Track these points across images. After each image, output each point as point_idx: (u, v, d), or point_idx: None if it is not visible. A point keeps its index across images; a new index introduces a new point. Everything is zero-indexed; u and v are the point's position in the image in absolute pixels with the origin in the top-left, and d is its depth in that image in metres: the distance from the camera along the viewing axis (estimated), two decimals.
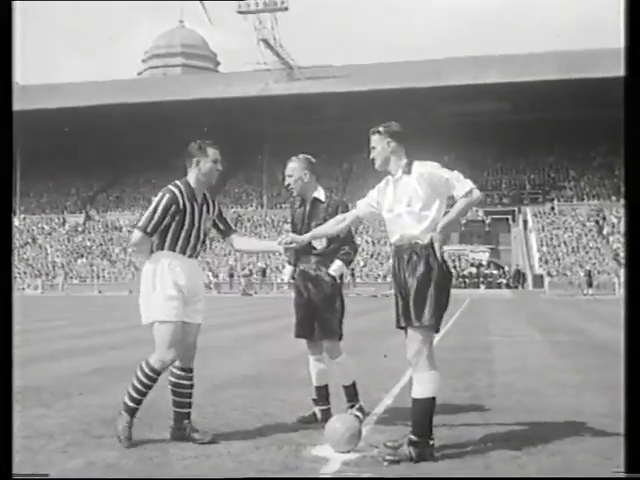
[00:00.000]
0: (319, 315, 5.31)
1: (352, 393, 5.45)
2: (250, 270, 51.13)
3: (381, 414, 5.65)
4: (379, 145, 4.55)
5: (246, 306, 27.70)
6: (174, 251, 4.68)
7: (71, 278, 53.96)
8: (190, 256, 4.74)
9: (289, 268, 5.63)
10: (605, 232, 52.38)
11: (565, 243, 51.28)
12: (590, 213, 54.98)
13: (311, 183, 5.44)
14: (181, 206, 4.69)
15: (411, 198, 4.38)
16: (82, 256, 58.37)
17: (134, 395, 4.63)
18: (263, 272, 51.01)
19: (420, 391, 4.35)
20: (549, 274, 46.47)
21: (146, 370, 4.62)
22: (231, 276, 50.50)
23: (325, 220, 5.14)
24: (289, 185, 5.43)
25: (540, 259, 48.95)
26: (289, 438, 4.75)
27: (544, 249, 49.82)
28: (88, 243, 60.52)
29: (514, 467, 4.10)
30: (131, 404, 4.63)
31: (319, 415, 5.37)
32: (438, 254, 4.30)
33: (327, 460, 4.25)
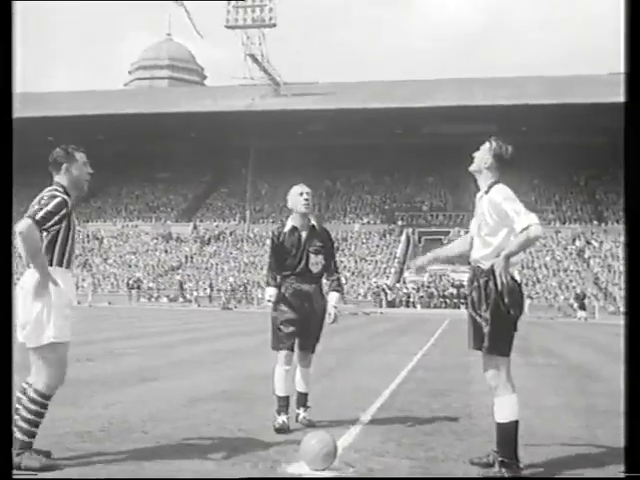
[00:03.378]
0: (312, 329, 5.82)
1: (306, 399, 5.96)
2: (231, 285, 51.03)
3: (357, 433, 5.62)
4: (481, 154, 4.60)
5: (226, 320, 27.58)
6: (61, 265, 4.40)
7: None
8: (69, 268, 4.51)
9: (272, 289, 5.88)
10: (586, 256, 52.72)
11: (546, 266, 51.56)
12: (572, 236, 55.34)
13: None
14: (68, 211, 4.44)
15: (481, 222, 4.49)
16: None
17: (27, 428, 4.22)
18: (244, 287, 50.88)
19: (504, 415, 4.40)
20: (529, 297, 46.66)
21: (36, 397, 4.24)
22: (211, 289, 50.40)
23: (319, 245, 5.77)
24: (307, 205, 5.80)
25: (521, 281, 49.04)
26: (264, 454, 4.73)
27: (525, 271, 50.02)
28: None
29: None
30: (28, 439, 4.23)
31: (286, 422, 5.68)
32: (498, 282, 4.32)
33: (302, 478, 4.22)
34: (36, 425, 4.27)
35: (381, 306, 46.56)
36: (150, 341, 14.80)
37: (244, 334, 17.93)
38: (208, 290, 50.40)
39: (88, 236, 62.03)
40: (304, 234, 5.82)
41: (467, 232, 4.85)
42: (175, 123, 62.35)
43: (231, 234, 61.01)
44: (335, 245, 6.30)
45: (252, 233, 60.55)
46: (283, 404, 5.73)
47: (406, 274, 52.60)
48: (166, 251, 58.81)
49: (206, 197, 68.55)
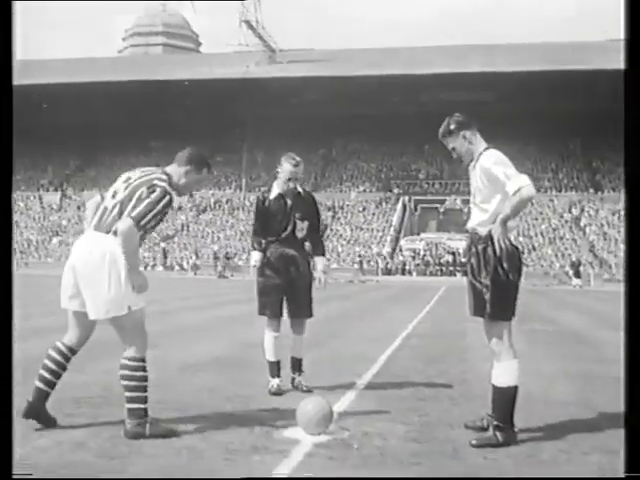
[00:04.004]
0: (300, 294, 5.81)
1: (300, 364, 5.98)
2: (227, 252, 51.06)
3: (353, 398, 5.66)
4: (457, 143, 4.54)
5: (222, 288, 27.65)
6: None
7: (46, 257, 53.63)
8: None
9: (257, 254, 5.90)
10: (582, 224, 52.79)
11: (542, 234, 51.64)
12: (568, 204, 55.37)
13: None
14: (169, 209, 4.48)
15: (475, 190, 4.50)
16: (57, 234, 57.93)
17: (141, 395, 4.33)
18: (240, 255, 50.88)
19: (504, 380, 4.42)
20: (525, 264, 46.79)
21: (136, 365, 4.34)
22: (216, 258, 50.46)
23: (305, 211, 5.81)
24: (296, 176, 5.82)
25: (518, 250, 49.21)
26: (260, 420, 4.75)
27: (521, 239, 50.10)
28: (64, 222, 60.04)
29: (482, 452, 4.13)
30: (143, 405, 4.33)
31: (280, 386, 5.81)
32: (497, 247, 4.31)
33: (298, 442, 4.25)
34: (146, 390, 4.38)
35: (377, 274, 46.68)
36: (146, 309, 14.80)
37: (239, 302, 17.96)
38: (193, 258, 50.32)
39: (83, 205, 61.89)
40: (290, 201, 5.83)
41: (463, 200, 4.91)
42: (170, 91, 61.95)
43: (227, 202, 60.91)
44: (320, 210, 6.31)
45: (248, 201, 60.43)
46: (274, 369, 5.86)
47: (402, 242, 52.70)
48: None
49: None
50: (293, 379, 5.96)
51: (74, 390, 5.48)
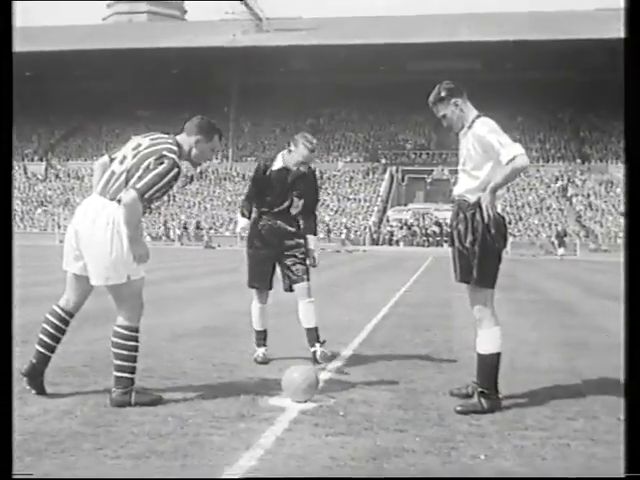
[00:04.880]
0: (296, 262, 5.70)
1: (316, 333, 5.77)
2: (212, 222, 50.98)
3: (339, 366, 5.67)
4: (448, 110, 4.49)
5: (208, 258, 27.62)
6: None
7: (31, 227, 53.40)
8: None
9: (245, 221, 5.83)
10: (569, 194, 52.94)
11: (529, 204, 51.78)
12: (555, 175, 55.48)
13: None
14: (176, 182, 4.40)
15: (465, 157, 4.47)
16: (42, 205, 57.58)
17: (130, 365, 4.32)
18: (227, 226, 50.82)
19: (487, 347, 4.45)
20: (512, 234, 46.98)
21: (129, 334, 4.33)
22: (185, 229, 50.44)
23: (304, 188, 5.70)
24: (306, 164, 5.65)
25: (504, 219, 49.37)
26: (246, 387, 4.76)
27: (507, 209, 50.24)
28: (49, 192, 59.65)
29: (467, 419, 4.15)
30: (132, 375, 4.33)
31: (265, 354, 5.82)
32: (485, 214, 4.31)
33: (284, 409, 4.27)
34: (136, 360, 4.37)
35: (364, 244, 46.76)
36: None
37: (225, 272, 17.96)
38: (178, 231, 50.26)
39: (69, 175, 61.52)
40: (291, 176, 5.65)
41: (451, 171, 4.90)
42: (156, 59, 61.28)
43: (214, 172, 60.65)
44: (319, 187, 6.23)
45: (235, 172, 60.20)
46: (260, 337, 5.86)
47: (389, 212, 52.74)
48: None
49: None
50: (314, 353, 5.68)
51: (59, 360, 5.44)
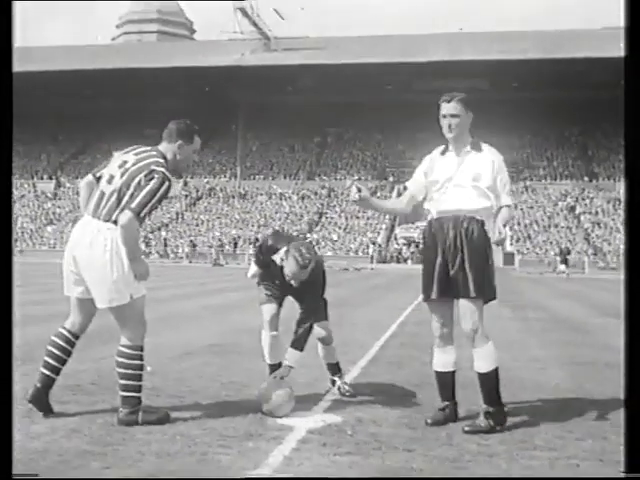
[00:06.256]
0: (309, 300, 5.17)
1: (337, 366, 5.43)
2: (220, 240, 51.03)
3: (347, 386, 5.64)
4: (462, 113, 4.49)
5: (216, 276, 27.63)
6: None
7: (40, 245, 53.55)
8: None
9: (255, 268, 5.37)
10: (577, 212, 52.83)
11: (537, 222, 51.68)
12: (563, 193, 55.40)
13: None
14: (170, 189, 4.32)
15: (480, 174, 4.44)
16: (52, 223, 57.76)
17: (136, 384, 4.30)
18: (235, 243, 50.90)
19: (486, 365, 4.45)
20: (520, 252, 46.88)
21: (133, 353, 4.31)
22: (193, 247, 50.54)
23: (303, 292, 5.02)
24: (297, 280, 4.90)
25: (512, 237, 49.31)
26: (254, 406, 4.75)
27: (516, 227, 50.16)
28: (58, 210, 59.85)
29: (476, 438, 4.14)
30: (137, 394, 4.30)
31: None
32: (497, 236, 4.37)
33: (292, 428, 4.26)
34: (141, 378, 4.35)
35: (372, 262, 46.71)
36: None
37: (233, 290, 17.97)
38: (187, 249, 50.29)
39: (77, 193, 61.62)
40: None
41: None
42: (164, 78, 61.64)
43: (222, 190, 60.79)
44: (325, 287, 5.48)
45: (243, 190, 60.34)
46: (273, 371, 5.18)
47: (397, 230, 52.71)
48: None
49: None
50: (333, 382, 5.39)
51: (67, 378, 5.46)
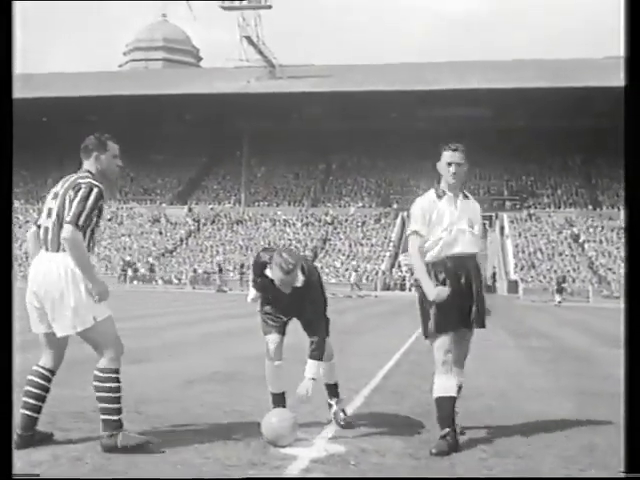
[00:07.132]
0: (307, 316, 5.18)
1: (335, 389, 5.38)
2: (219, 265, 51.06)
3: (350, 414, 5.62)
4: (464, 162, 4.84)
5: (219, 303, 27.59)
6: (88, 250, 4.34)
7: None
8: (91, 252, 4.46)
9: (254, 291, 5.34)
10: (581, 240, 52.79)
11: (541, 250, 51.62)
12: (567, 221, 55.39)
13: None
14: (103, 200, 4.40)
15: (472, 221, 4.86)
16: None
17: (113, 406, 4.27)
18: (241, 272, 50.89)
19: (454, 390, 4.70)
20: (524, 280, 46.76)
21: (106, 376, 4.28)
22: (195, 272, 50.55)
23: (304, 301, 5.03)
24: (287, 285, 4.89)
25: (516, 265, 49.24)
26: (257, 435, 4.73)
27: (520, 255, 50.10)
28: None
29: (480, 468, 4.11)
30: (118, 417, 4.28)
31: None
32: (483, 272, 4.95)
33: (295, 457, 4.24)
34: (119, 400, 4.32)
35: (376, 289, 46.63)
36: (143, 323, 14.80)
37: (236, 316, 17.93)
38: (190, 274, 50.28)
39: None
40: (287, 292, 4.98)
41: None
42: (170, 105, 62.10)
43: (226, 217, 60.92)
44: (326, 300, 5.39)
45: (247, 216, 60.45)
46: (277, 400, 5.17)
47: (401, 257, 52.66)
48: (160, 233, 58.75)
49: (201, 179, 68.38)
50: (330, 406, 5.32)
51: (69, 404, 5.46)
